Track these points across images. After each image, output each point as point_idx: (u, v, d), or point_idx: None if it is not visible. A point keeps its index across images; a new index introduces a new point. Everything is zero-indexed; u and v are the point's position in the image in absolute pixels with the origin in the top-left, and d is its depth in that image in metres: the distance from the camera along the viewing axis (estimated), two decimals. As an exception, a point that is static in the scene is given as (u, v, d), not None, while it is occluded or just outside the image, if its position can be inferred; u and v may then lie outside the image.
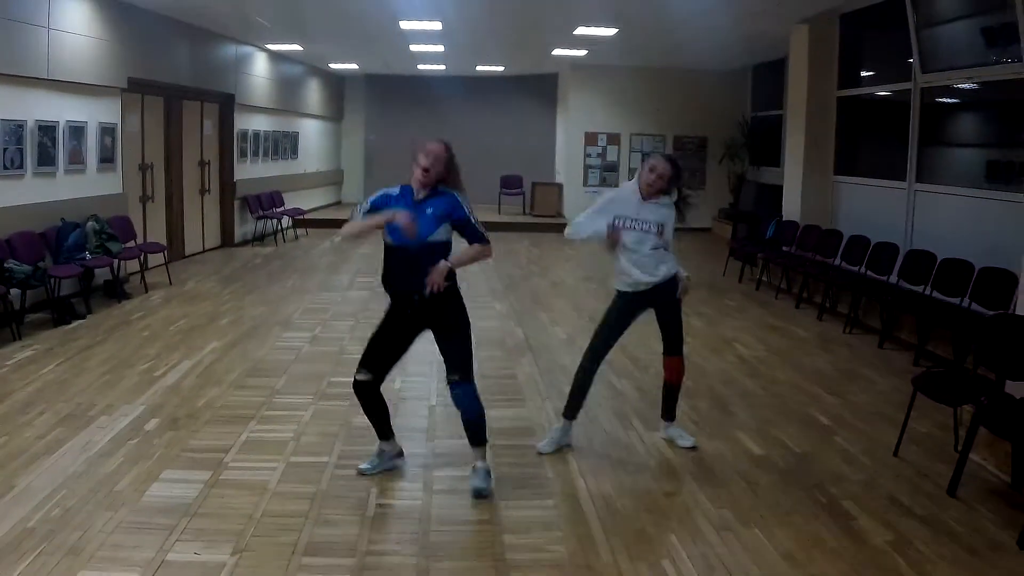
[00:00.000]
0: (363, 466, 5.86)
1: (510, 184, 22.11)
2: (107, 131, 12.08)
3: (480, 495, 5.49)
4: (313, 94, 21.99)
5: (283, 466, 5.86)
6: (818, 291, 11.76)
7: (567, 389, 7.32)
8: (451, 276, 5.43)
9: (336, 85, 24.17)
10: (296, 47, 18.03)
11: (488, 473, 5.64)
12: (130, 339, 9.35)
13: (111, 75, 12.03)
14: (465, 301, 5.68)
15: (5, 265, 9.28)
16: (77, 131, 11.38)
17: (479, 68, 21.87)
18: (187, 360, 8.51)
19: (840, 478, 5.88)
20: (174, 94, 14.42)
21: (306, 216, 19.34)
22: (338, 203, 23.96)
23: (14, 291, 9.38)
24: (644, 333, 9.71)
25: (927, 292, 9.53)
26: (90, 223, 11.17)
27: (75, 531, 4.89)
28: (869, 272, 10.87)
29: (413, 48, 17.37)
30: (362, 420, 6.24)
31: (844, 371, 8.67)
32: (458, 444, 6.10)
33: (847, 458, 6.27)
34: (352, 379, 5.72)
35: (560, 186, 21.58)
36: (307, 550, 4.76)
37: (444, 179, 5.53)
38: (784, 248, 13.24)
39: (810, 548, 4.87)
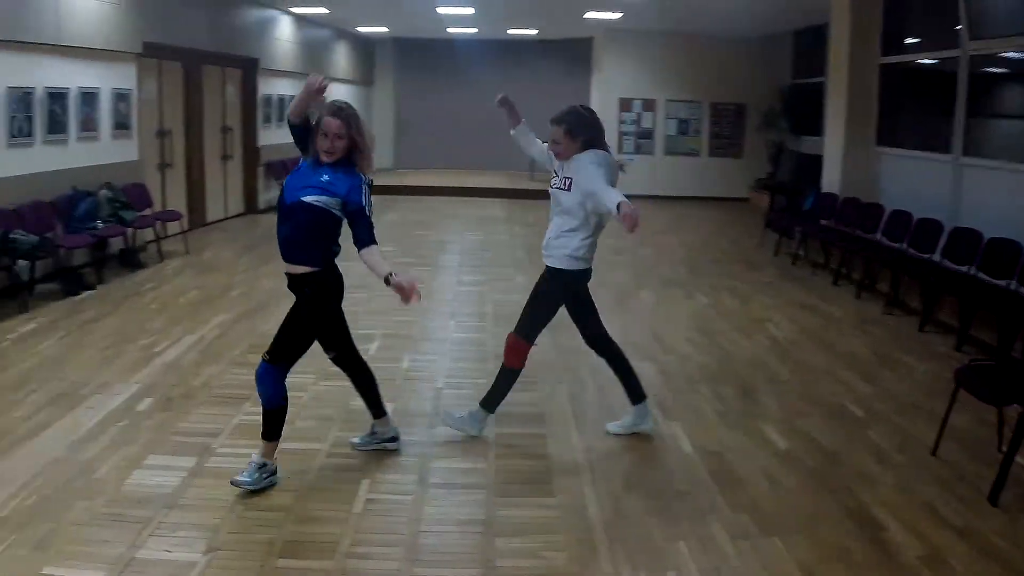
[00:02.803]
0: (354, 440, 5.78)
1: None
2: (121, 97, 11.84)
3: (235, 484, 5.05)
4: (341, 58, 21.67)
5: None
6: (857, 268, 11.27)
7: (583, 372, 7.04)
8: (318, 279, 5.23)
9: (365, 49, 23.84)
10: (322, 9, 17.60)
11: (259, 467, 5.14)
12: (137, 312, 9.13)
13: (125, 40, 11.74)
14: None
15: (10, 236, 9.05)
16: (89, 97, 11.14)
17: (510, 32, 21.45)
18: (190, 335, 8.26)
19: (871, 480, 5.44)
20: (193, 59, 14.13)
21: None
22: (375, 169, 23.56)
23: (21, 263, 9.16)
24: (672, 314, 9.45)
25: (972, 273, 9.06)
26: (103, 191, 10.93)
27: (46, 522, 4.64)
28: (911, 249, 10.39)
29: (441, 11, 16.96)
30: (361, 403, 5.97)
31: (881, 355, 8.20)
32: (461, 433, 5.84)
33: (880, 456, 5.82)
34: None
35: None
36: (284, 550, 4.47)
37: (353, 151, 5.14)
38: (823, 221, 12.76)
39: (833, 562, 4.47)
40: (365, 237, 5.13)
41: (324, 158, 5.06)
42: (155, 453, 5.52)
